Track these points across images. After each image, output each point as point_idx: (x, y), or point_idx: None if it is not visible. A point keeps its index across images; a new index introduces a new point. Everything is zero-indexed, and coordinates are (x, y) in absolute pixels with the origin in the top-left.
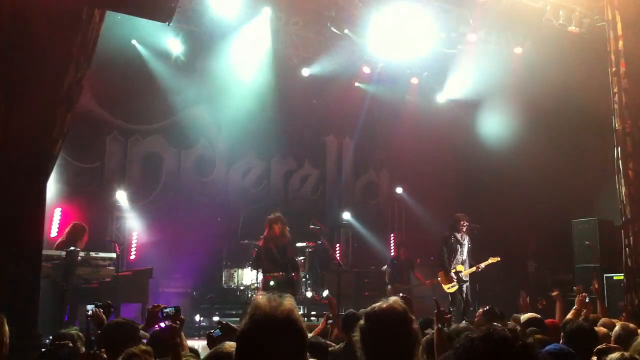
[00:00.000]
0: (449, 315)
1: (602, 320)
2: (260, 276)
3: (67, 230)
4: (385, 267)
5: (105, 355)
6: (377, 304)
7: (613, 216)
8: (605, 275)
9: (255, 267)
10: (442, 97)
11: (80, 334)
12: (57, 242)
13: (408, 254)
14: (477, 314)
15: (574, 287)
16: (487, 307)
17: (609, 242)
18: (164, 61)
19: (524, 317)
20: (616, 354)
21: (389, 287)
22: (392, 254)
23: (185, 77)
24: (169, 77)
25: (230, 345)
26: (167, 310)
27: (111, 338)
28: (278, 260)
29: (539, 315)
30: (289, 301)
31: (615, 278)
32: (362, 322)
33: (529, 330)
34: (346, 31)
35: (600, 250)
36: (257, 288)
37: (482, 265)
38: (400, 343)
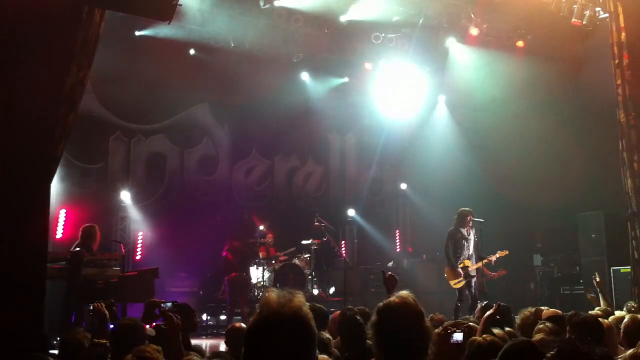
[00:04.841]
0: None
1: (597, 309)
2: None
3: (80, 233)
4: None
5: None
6: (389, 299)
7: (619, 209)
8: (612, 268)
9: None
10: (444, 92)
11: (88, 334)
12: (73, 246)
13: None
14: (476, 310)
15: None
16: (485, 302)
17: (615, 235)
18: None
19: (544, 313)
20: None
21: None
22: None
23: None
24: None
25: None
26: (166, 305)
27: (123, 341)
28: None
29: (560, 312)
30: (298, 298)
31: (622, 271)
32: (374, 317)
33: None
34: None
35: (607, 243)
36: (263, 286)
37: (493, 258)
38: (415, 338)
